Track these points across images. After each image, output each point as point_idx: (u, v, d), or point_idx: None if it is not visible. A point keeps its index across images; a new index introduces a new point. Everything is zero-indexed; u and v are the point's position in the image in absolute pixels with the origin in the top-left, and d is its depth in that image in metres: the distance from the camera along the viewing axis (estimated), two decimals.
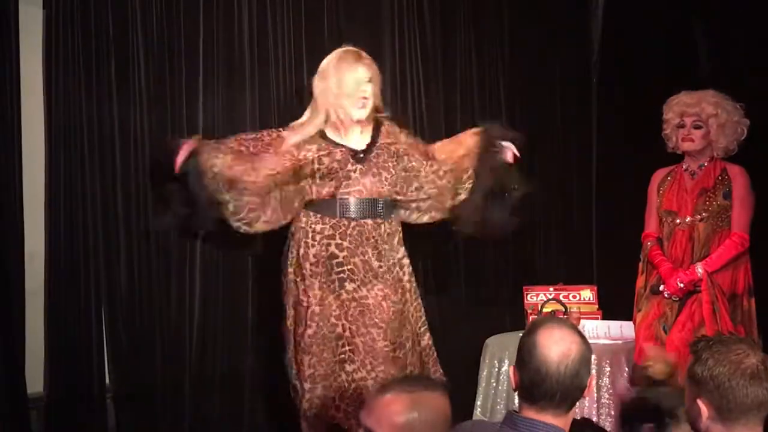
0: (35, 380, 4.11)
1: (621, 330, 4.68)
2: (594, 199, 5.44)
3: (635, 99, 5.09)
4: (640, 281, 4.30)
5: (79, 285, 4.16)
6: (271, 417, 4.62)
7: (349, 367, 3.72)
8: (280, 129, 3.99)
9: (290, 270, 3.88)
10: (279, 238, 4.57)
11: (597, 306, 4.84)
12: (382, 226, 3.81)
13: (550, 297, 4.85)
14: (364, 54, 3.86)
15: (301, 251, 3.81)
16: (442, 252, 5.06)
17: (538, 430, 2.28)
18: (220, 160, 3.80)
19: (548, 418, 2.29)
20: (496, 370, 4.68)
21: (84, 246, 4.17)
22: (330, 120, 3.81)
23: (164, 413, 4.36)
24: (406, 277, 3.88)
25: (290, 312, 3.88)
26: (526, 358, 2.32)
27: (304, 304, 3.78)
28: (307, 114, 3.93)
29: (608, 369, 4.52)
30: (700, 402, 2.31)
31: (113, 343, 4.27)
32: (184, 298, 4.42)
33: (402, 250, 3.91)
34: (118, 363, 4.28)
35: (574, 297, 4.90)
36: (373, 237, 3.77)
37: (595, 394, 4.36)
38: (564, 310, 4.74)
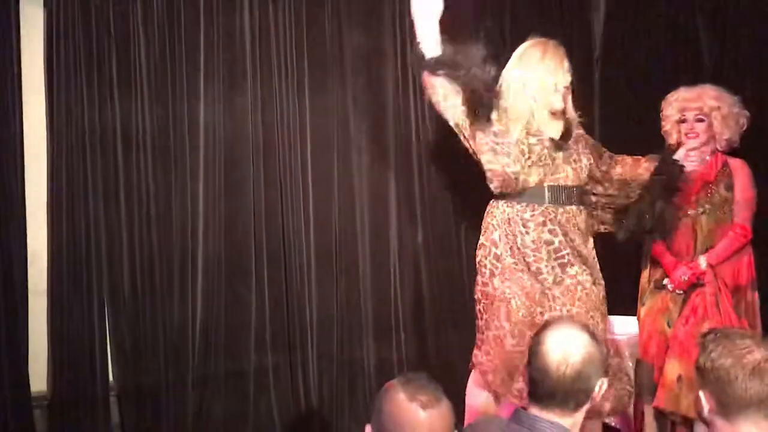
0: (39, 379, 4.13)
1: (625, 325, 4.67)
2: None
3: (638, 95, 5.08)
4: (644, 276, 4.29)
5: (82, 284, 4.18)
6: (274, 415, 4.63)
7: None
8: None
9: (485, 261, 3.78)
10: (276, 235, 4.61)
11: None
12: (582, 213, 3.79)
13: None
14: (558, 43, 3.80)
15: (495, 234, 3.74)
16: (444, 246, 5.06)
17: (540, 426, 2.28)
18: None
19: (552, 416, 2.29)
20: None
21: (86, 246, 4.18)
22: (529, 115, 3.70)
23: (167, 412, 4.38)
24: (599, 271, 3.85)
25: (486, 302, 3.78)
26: (531, 356, 2.33)
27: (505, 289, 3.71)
28: (501, 110, 3.75)
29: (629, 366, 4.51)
30: (702, 394, 2.32)
31: (116, 342, 4.28)
32: (187, 296, 4.44)
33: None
34: (121, 362, 4.30)
35: None
36: (577, 224, 3.74)
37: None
38: None
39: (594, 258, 3.79)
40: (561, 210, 3.70)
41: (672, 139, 4.26)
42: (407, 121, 4.99)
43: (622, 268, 4.85)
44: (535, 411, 2.31)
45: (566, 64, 3.73)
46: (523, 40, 5.26)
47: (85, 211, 4.19)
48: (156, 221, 4.39)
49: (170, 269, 4.43)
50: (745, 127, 4.18)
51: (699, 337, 2.45)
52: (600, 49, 5.38)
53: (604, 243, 5.46)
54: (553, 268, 3.68)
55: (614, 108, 5.38)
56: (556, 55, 3.72)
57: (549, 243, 3.68)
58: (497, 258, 3.72)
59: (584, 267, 3.72)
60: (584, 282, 3.71)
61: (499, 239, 3.72)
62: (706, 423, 2.36)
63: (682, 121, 4.19)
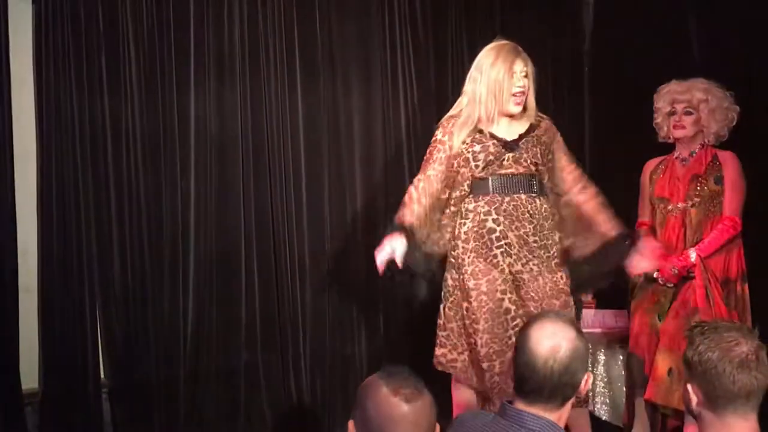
0: (30, 376, 4.11)
1: (615, 319, 4.69)
2: None
3: (627, 88, 5.08)
4: None
5: (73, 281, 4.16)
6: (266, 412, 4.63)
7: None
8: (436, 132, 3.87)
9: (452, 253, 3.81)
10: (267, 232, 4.60)
11: (592, 295, 4.84)
12: (537, 200, 3.78)
13: None
14: (520, 48, 3.78)
15: (457, 231, 3.78)
16: None
17: (526, 421, 2.28)
18: (417, 220, 3.79)
19: (538, 410, 2.29)
20: None
21: (77, 242, 4.17)
22: (483, 114, 3.73)
23: (159, 409, 4.37)
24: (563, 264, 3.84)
25: (451, 297, 3.81)
26: (518, 352, 2.33)
27: (469, 282, 3.73)
28: (460, 105, 3.83)
29: (603, 358, 4.54)
30: (690, 387, 2.32)
31: (107, 338, 4.28)
32: (178, 293, 4.43)
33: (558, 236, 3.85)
34: (112, 359, 4.29)
35: None
36: (528, 212, 3.74)
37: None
38: None
39: (551, 253, 3.76)
40: (507, 198, 3.71)
41: (663, 132, 4.28)
42: (398, 119, 5.00)
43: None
44: (521, 406, 2.31)
45: (520, 66, 3.71)
46: (514, 33, 5.29)
47: (75, 207, 4.17)
48: (147, 218, 4.38)
49: (161, 266, 4.41)
50: (734, 122, 4.19)
51: (686, 330, 2.45)
52: (589, 43, 5.38)
53: None
54: (494, 257, 3.69)
55: (604, 102, 5.39)
56: (507, 59, 3.71)
57: (491, 231, 3.70)
58: (456, 250, 3.76)
59: (530, 256, 3.71)
60: (529, 271, 3.70)
61: (457, 233, 3.77)
62: (694, 416, 2.36)
63: (672, 113, 4.21)
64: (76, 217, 4.18)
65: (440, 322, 3.84)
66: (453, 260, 3.79)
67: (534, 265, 3.71)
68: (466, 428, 2.42)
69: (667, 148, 4.34)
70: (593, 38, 5.40)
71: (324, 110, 4.80)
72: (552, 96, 5.42)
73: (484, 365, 3.67)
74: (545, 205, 3.78)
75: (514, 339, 3.51)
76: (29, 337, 4.11)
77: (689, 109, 4.17)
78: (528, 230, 3.72)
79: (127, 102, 4.29)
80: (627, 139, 4.99)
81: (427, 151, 3.88)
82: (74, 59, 4.13)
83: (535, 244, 3.72)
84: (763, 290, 4.17)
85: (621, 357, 4.44)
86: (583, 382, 2.33)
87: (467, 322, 3.72)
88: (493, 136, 3.74)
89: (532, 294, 3.69)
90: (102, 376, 4.28)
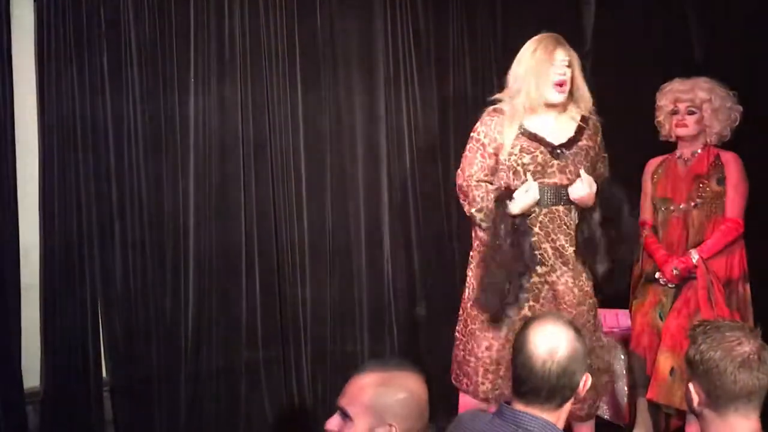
0: (32, 375, 4.11)
1: (617, 318, 4.69)
2: None
3: (628, 86, 5.07)
4: (636, 269, 4.30)
5: (75, 279, 4.16)
6: (266, 411, 4.63)
7: None
8: (479, 127, 3.78)
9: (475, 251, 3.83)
10: (268, 230, 4.61)
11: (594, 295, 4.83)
12: (572, 211, 3.73)
13: None
14: (562, 39, 3.73)
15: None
16: (437, 241, 5.06)
17: (523, 421, 2.28)
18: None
19: (536, 411, 2.28)
20: None
21: (79, 240, 4.17)
22: (527, 104, 3.67)
23: (160, 406, 4.37)
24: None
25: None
26: (516, 352, 2.33)
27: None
28: (504, 101, 3.76)
29: (622, 358, 4.52)
30: (691, 386, 2.32)
31: (109, 336, 4.28)
32: (179, 292, 4.43)
33: None
34: (114, 356, 4.29)
35: None
36: (565, 223, 3.71)
37: None
38: None
39: (582, 261, 3.74)
40: (545, 210, 3.68)
41: (665, 131, 4.27)
42: (400, 117, 4.99)
43: (614, 262, 4.86)
44: (519, 407, 2.31)
45: (561, 55, 3.67)
46: (513, 36, 5.30)
47: (77, 205, 4.17)
48: (148, 216, 4.37)
49: (162, 264, 4.41)
50: (737, 122, 4.18)
51: (689, 329, 2.45)
52: (590, 42, 5.37)
53: None
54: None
55: (605, 101, 5.38)
56: (548, 47, 3.66)
57: (527, 233, 3.67)
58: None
59: (564, 268, 3.69)
60: (556, 282, 3.69)
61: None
62: (696, 415, 2.36)
63: (675, 112, 4.21)
64: (78, 215, 4.17)
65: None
66: (480, 255, 3.77)
67: (569, 277, 3.70)
68: (464, 429, 2.42)
69: (669, 147, 4.33)
70: (594, 39, 5.39)
71: (326, 108, 4.79)
72: None
73: (492, 368, 3.71)
74: (577, 213, 3.74)
75: None
76: (31, 335, 4.10)
77: (692, 108, 4.16)
78: (563, 242, 3.69)
79: (128, 100, 4.29)
80: (629, 140, 4.98)
81: (468, 148, 3.79)
82: (76, 57, 4.13)
83: (570, 256, 3.70)
84: (765, 291, 4.16)
85: (623, 357, 4.44)
86: (581, 384, 2.32)
87: (486, 324, 3.72)
88: (541, 141, 3.68)
89: (566, 306, 3.68)
90: (104, 373, 4.28)
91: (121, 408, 4.30)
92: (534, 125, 3.69)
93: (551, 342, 2.29)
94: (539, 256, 3.67)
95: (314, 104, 4.77)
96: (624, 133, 5.08)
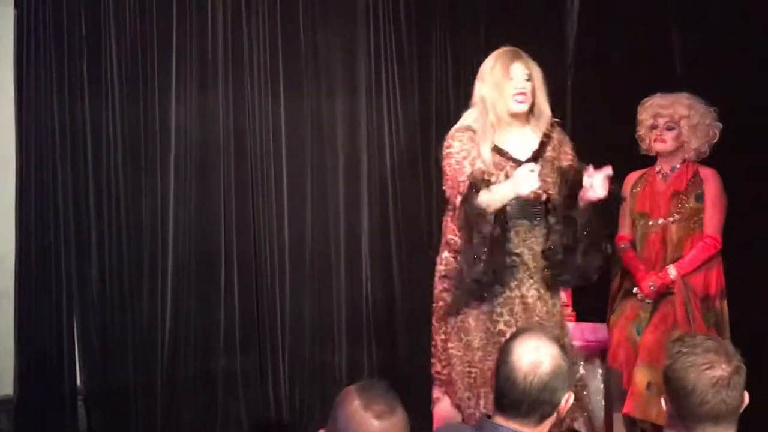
0: (5, 382, 4.09)
1: (595, 332, 4.70)
2: None
3: (610, 100, 5.09)
4: (614, 284, 4.31)
5: (51, 286, 4.14)
6: (243, 420, 4.61)
7: None
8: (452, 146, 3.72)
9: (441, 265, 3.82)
10: (247, 238, 4.59)
11: (571, 308, 4.85)
12: (537, 228, 3.73)
13: None
14: (522, 53, 3.75)
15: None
16: (416, 252, 5.06)
17: None
18: None
19: (516, 426, 2.28)
20: None
21: (55, 247, 4.15)
22: (493, 118, 3.67)
23: (136, 415, 4.34)
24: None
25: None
26: (500, 365, 2.32)
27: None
28: (468, 119, 3.76)
29: (582, 371, 4.53)
30: (663, 400, 2.33)
31: (84, 344, 4.25)
32: (156, 299, 4.42)
33: None
34: (89, 365, 4.26)
35: None
36: (533, 237, 3.71)
37: None
38: None
39: (544, 275, 3.72)
40: (510, 224, 3.66)
41: (645, 144, 4.29)
42: (381, 125, 4.98)
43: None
44: (500, 421, 2.30)
45: (519, 68, 3.68)
46: (497, 45, 5.30)
47: (54, 211, 4.15)
48: (126, 223, 4.37)
49: (140, 271, 4.40)
50: (716, 139, 4.20)
51: (669, 342, 2.44)
52: (573, 55, 5.39)
53: None
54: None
55: (587, 114, 5.40)
56: (506, 59, 3.69)
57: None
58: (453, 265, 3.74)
59: (531, 281, 3.69)
60: (525, 295, 3.69)
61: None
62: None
63: (654, 126, 4.22)
64: (55, 221, 4.15)
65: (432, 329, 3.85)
66: (449, 268, 3.77)
67: (536, 290, 3.70)
68: None
69: (650, 160, 4.34)
70: (576, 50, 5.41)
71: (307, 116, 4.79)
72: None
73: (470, 381, 3.68)
74: (543, 231, 3.73)
75: None
76: (4, 342, 4.07)
77: (671, 124, 4.18)
78: (527, 258, 3.69)
79: (108, 106, 4.28)
80: (610, 153, 5.00)
81: (448, 163, 3.71)
82: (56, 63, 4.12)
83: (535, 268, 3.71)
84: (742, 307, 4.19)
85: (600, 371, 4.45)
86: (563, 401, 2.32)
87: (462, 334, 3.72)
88: (508, 156, 3.68)
89: (537, 318, 3.68)
90: (78, 382, 4.25)
91: (95, 416, 4.28)
92: (500, 141, 3.70)
93: (535, 356, 2.29)
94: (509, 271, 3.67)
95: (296, 113, 4.76)
96: (605, 146, 5.12)
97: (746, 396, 2.28)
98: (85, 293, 4.24)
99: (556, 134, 3.83)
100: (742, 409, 2.30)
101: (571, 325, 4.69)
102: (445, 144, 3.76)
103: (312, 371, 4.78)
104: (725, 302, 4.11)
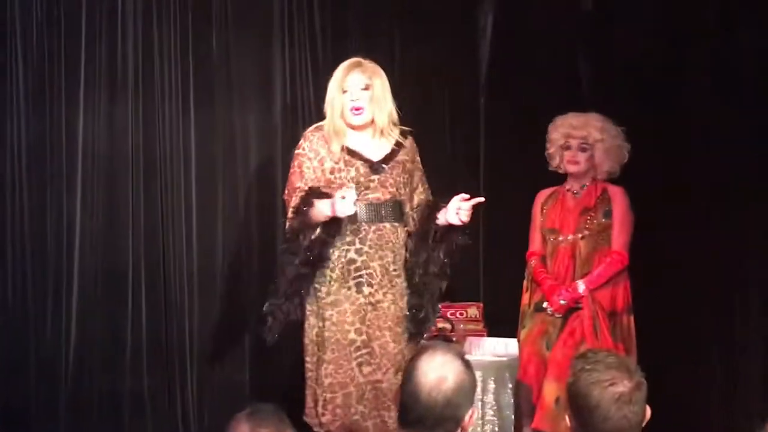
0: None
1: (506, 347, 4.74)
2: (481, 217, 5.49)
3: (522, 119, 5.17)
4: (525, 299, 4.35)
5: None
6: None
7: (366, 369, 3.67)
8: (300, 144, 3.79)
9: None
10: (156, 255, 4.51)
11: (483, 324, 4.88)
12: (399, 229, 3.75)
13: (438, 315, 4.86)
14: (367, 63, 3.76)
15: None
16: None
17: None
18: None
19: None
20: None
21: None
22: (332, 129, 3.72)
23: None
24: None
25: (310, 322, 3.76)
26: (405, 380, 2.31)
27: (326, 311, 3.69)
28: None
29: (493, 386, 4.56)
30: (567, 417, 2.34)
31: None
32: (61, 315, 4.33)
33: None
34: None
35: (461, 314, 4.94)
36: (392, 240, 3.72)
37: (480, 411, 4.39)
38: (451, 327, 4.77)
39: (403, 278, 3.76)
40: (374, 227, 3.70)
41: (555, 162, 4.35)
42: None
43: (503, 290, 4.94)
44: None
45: (354, 80, 3.71)
46: (411, 65, 5.35)
47: None
48: (30, 236, 4.27)
49: (44, 286, 4.31)
50: (626, 159, 4.30)
51: (573, 359, 2.46)
52: (486, 75, 5.47)
53: (486, 264, 5.56)
54: (350, 287, 3.67)
55: (499, 133, 5.48)
56: (341, 73, 3.74)
57: (351, 262, 3.68)
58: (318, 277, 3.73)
59: (389, 286, 3.71)
60: (381, 300, 3.70)
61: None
62: None
63: (567, 147, 4.29)
64: None
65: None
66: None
67: (392, 293, 3.72)
68: None
69: (563, 178, 4.41)
70: (489, 71, 5.49)
71: (219, 132, 4.74)
72: (449, 127, 5.48)
73: (327, 396, 3.65)
74: (403, 234, 3.78)
75: (357, 369, 3.63)
76: None
77: (584, 145, 4.25)
78: (390, 259, 3.72)
79: (12, 116, 4.19)
80: (522, 171, 5.08)
81: (293, 165, 3.79)
82: None
83: (395, 273, 3.73)
84: (648, 322, 4.27)
85: (510, 385, 4.48)
86: (467, 417, 2.31)
87: (316, 349, 3.70)
88: (360, 157, 3.72)
89: (390, 323, 3.70)
90: None
91: None
92: (353, 142, 3.74)
93: (439, 372, 2.27)
94: (366, 277, 3.67)
95: (207, 128, 4.71)
96: (518, 164, 5.20)
97: (648, 410, 2.31)
98: None
99: (409, 141, 3.87)
100: (644, 424, 2.33)
101: (481, 340, 4.75)
102: (298, 144, 3.81)
103: (221, 391, 4.70)
104: (632, 317, 4.19)
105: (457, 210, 3.70)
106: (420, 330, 3.81)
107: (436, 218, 3.77)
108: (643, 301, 4.25)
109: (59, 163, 4.32)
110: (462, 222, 3.71)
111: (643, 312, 4.24)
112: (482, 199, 3.84)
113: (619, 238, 4.20)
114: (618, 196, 4.25)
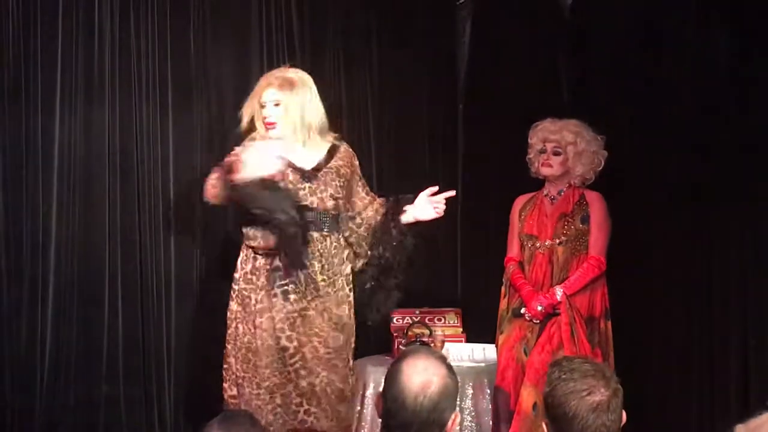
0: None
1: (484, 353, 4.75)
2: (459, 223, 5.50)
3: (500, 125, 5.19)
4: (503, 304, 4.36)
5: None
6: None
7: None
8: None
9: (235, 287, 3.77)
10: (132, 261, 4.48)
11: (461, 329, 4.88)
12: (328, 239, 3.74)
13: (416, 320, 4.86)
14: (285, 75, 3.77)
15: (248, 266, 3.73)
16: None
17: None
18: None
19: None
20: (360, 393, 4.65)
21: None
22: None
23: None
24: (350, 294, 3.84)
25: (229, 329, 3.77)
26: (387, 386, 2.29)
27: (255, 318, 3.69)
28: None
29: (471, 391, 4.57)
30: (544, 425, 2.34)
31: None
32: (36, 321, 4.30)
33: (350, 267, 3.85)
34: None
35: (440, 320, 4.94)
36: (318, 250, 3.70)
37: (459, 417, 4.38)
38: (429, 333, 4.76)
39: (338, 287, 3.77)
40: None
41: (534, 168, 4.37)
42: None
43: (481, 296, 4.94)
44: None
45: (267, 95, 3.73)
46: (390, 70, 5.35)
47: None
48: (5, 239, 4.23)
49: (19, 291, 4.27)
50: (601, 166, 4.31)
51: (549, 367, 2.46)
52: (464, 81, 5.48)
53: (465, 270, 5.56)
54: (275, 295, 3.67)
55: (478, 140, 5.49)
56: (259, 89, 3.77)
57: (277, 269, 3.68)
58: (242, 284, 3.74)
59: (315, 293, 3.70)
60: (307, 308, 3.69)
61: (248, 267, 3.75)
62: None
63: (543, 151, 4.31)
64: None
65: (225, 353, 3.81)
66: (237, 292, 3.75)
67: (320, 302, 3.72)
68: None
69: (541, 184, 4.42)
70: (468, 78, 5.50)
71: (197, 135, 4.71)
72: (427, 133, 5.49)
73: (267, 397, 3.66)
74: (335, 243, 3.78)
75: (294, 374, 3.63)
76: None
77: (558, 149, 4.27)
78: (316, 269, 3.71)
79: None
80: (500, 177, 5.09)
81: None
82: None
83: (323, 282, 3.72)
84: (626, 327, 4.29)
85: (488, 391, 4.48)
86: (450, 422, 2.30)
87: (250, 356, 3.69)
88: (290, 165, 3.71)
89: (317, 330, 3.70)
90: None
91: None
92: (284, 150, 3.73)
93: (424, 376, 2.26)
94: (291, 285, 3.67)
95: (185, 130, 4.68)
96: (496, 169, 5.21)
97: (624, 415, 2.31)
98: None
99: (344, 147, 3.89)
100: (620, 428, 2.33)
101: (460, 345, 4.75)
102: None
103: (198, 398, 4.66)
104: (609, 323, 4.20)
105: (435, 205, 3.79)
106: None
107: (398, 219, 3.82)
108: (620, 306, 4.26)
109: (35, 166, 4.28)
110: (438, 215, 3.79)
111: (620, 317, 4.25)
112: (453, 193, 3.88)
113: (597, 243, 4.22)
114: (595, 202, 4.26)
